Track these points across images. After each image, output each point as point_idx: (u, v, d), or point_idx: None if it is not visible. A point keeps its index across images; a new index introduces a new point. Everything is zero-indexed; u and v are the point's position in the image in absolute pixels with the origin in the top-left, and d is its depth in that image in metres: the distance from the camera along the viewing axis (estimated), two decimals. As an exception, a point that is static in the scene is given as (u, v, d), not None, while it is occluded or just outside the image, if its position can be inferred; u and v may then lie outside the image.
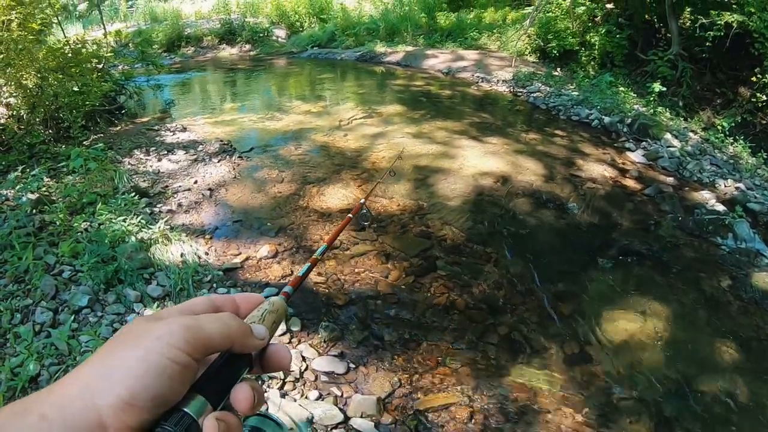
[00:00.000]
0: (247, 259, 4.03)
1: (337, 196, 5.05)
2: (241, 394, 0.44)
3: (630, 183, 5.99)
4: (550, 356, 3.30)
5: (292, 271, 3.89)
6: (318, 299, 3.62)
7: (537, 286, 3.98)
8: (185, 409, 0.41)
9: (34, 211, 4.14)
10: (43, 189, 4.50)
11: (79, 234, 3.82)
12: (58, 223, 3.92)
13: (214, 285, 3.64)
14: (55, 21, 7.66)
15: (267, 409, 2.57)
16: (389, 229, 4.52)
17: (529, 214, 5.06)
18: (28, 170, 4.81)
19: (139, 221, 4.05)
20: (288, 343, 3.18)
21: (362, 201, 1.29)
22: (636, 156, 6.81)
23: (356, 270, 3.95)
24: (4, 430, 0.36)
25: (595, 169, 6.25)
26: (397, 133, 7.08)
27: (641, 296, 3.97)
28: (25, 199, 4.21)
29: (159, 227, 4.02)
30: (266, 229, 4.47)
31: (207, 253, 4.07)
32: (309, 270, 0.70)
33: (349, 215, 1.16)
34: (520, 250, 4.43)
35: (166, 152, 5.97)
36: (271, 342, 0.52)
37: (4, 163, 5.13)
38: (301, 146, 6.44)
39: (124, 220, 3.96)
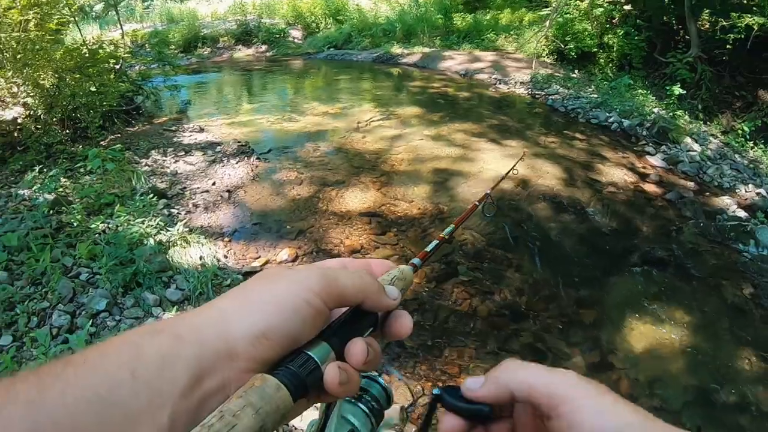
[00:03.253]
0: (267, 262, 3.95)
1: (357, 199, 4.97)
2: (355, 348, 0.44)
3: (650, 188, 5.90)
4: (572, 364, 3.26)
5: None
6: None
7: (559, 292, 3.93)
8: (310, 353, 0.42)
9: (51, 211, 4.09)
10: (61, 189, 4.45)
11: (96, 236, 3.76)
12: (75, 224, 3.86)
13: (234, 289, 3.56)
14: (72, 21, 7.64)
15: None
16: (410, 234, 4.43)
17: (550, 219, 4.97)
18: (45, 170, 4.76)
19: (158, 223, 3.99)
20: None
21: (488, 192, 1.29)
22: (656, 160, 6.71)
23: (377, 275, 3.86)
24: (140, 344, 0.37)
25: (616, 173, 6.15)
26: (415, 135, 6.98)
27: (663, 303, 3.93)
28: (42, 200, 4.16)
29: (178, 229, 3.95)
30: (285, 232, 4.40)
31: (226, 256, 4.00)
32: (437, 246, 0.71)
33: (475, 202, 1.18)
34: (542, 256, 4.37)
35: (183, 153, 5.92)
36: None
37: (21, 162, 5.09)
38: (320, 148, 6.37)
39: (142, 222, 3.90)
